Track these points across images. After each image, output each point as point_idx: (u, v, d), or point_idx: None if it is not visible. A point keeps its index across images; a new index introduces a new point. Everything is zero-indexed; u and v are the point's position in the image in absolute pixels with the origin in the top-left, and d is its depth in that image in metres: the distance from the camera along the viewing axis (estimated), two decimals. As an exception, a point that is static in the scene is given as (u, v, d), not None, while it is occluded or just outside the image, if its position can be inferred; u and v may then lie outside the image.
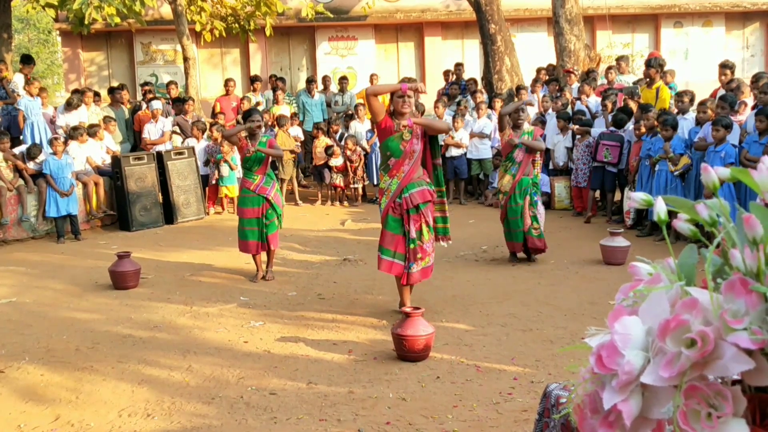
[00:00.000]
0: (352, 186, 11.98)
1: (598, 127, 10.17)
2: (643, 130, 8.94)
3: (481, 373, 4.67)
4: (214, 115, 12.65)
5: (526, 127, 7.57)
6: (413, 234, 5.61)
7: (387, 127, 5.63)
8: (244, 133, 7.06)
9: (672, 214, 1.09)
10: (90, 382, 4.70)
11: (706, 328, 0.88)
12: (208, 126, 11.91)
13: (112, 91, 12.90)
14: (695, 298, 0.92)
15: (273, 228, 7.10)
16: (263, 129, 7.23)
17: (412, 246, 5.62)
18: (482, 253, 8.18)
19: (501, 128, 7.69)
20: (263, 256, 7.28)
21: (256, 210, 7.04)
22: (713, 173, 1.05)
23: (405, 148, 5.61)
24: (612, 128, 9.66)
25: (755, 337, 0.86)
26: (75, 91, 12.34)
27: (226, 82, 13.60)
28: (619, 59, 12.64)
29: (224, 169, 11.13)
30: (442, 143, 11.72)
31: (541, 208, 7.58)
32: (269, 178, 7.14)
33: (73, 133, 10.37)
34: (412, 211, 5.61)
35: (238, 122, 12.62)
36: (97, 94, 12.33)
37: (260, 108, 12.71)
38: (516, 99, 12.25)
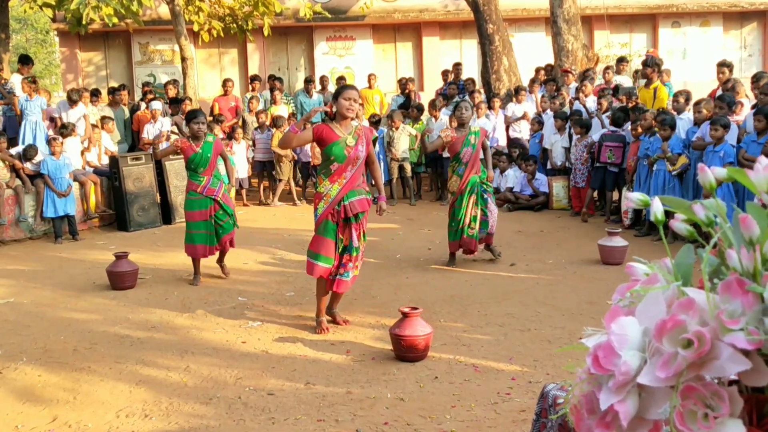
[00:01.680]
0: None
1: (596, 127, 10.18)
2: (640, 130, 8.95)
3: (479, 373, 4.67)
4: (212, 115, 12.62)
5: (473, 126, 7.47)
6: (356, 242, 5.50)
7: (325, 137, 5.47)
8: (175, 139, 6.93)
9: (669, 214, 1.09)
10: (88, 383, 4.69)
11: (703, 329, 0.88)
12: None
13: (112, 91, 12.90)
14: (692, 299, 0.92)
15: (229, 228, 7.02)
16: (205, 129, 7.10)
17: (354, 254, 5.52)
18: (480, 252, 8.17)
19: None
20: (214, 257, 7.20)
21: (204, 213, 6.91)
22: (710, 173, 1.05)
23: (349, 154, 5.46)
24: (613, 128, 9.66)
25: (752, 337, 0.86)
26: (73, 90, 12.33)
27: (224, 82, 13.58)
28: (619, 60, 12.66)
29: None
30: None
31: (492, 207, 7.47)
32: (216, 179, 7.01)
33: (64, 131, 10.34)
34: (353, 220, 5.50)
35: (243, 121, 12.63)
36: (94, 94, 12.31)
37: (257, 108, 12.71)
38: (513, 100, 12.29)
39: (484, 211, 7.35)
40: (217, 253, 7.19)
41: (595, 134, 10.04)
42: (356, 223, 5.51)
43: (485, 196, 7.38)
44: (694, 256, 1.03)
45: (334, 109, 5.51)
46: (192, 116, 7.08)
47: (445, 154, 11.63)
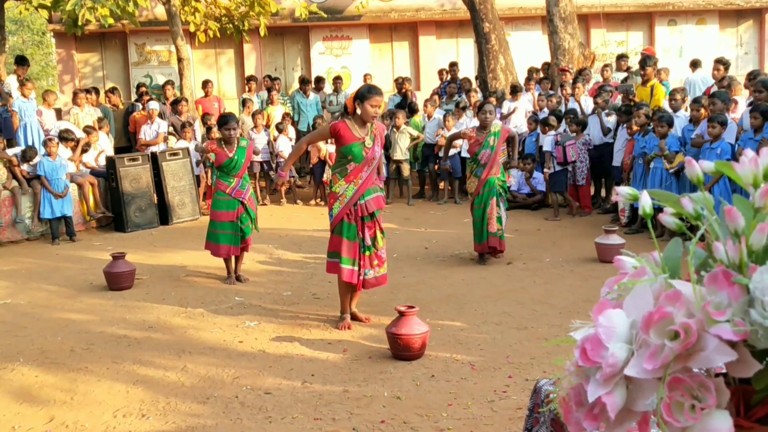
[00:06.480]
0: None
1: (593, 126, 10.19)
2: (635, 128, 8.95)
3: (476, 372, 4.68)
4: (203, 118, 12.59)
5: (494, 127, 7.47)
6: (368, 241, 5.52)
7: (344, 135, 5.45)
8: (214, 145, 7.00)
9: (660, 209, 1.09)
10: (85, 383, 4.70)
11: (690, 321, 0.89)
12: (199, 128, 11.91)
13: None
14: (678, 291, 0.92)
15: (249, 232, 7.05)
16: (237, 134, 7.11)
17: (368, 253, 5.54)
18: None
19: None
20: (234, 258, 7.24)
21: (231, 213, 6.96)
22: (697, 167, 1.05)
23: (367, 154, 5.48)
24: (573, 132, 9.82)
25: (738, 328, 0.87)
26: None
27: (204, 83, 13.59)
28: (618, 57, 12.66)
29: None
30: (436, 142, 11.71)
31: (503, 212, 7.49)
32: (245, 181, 7.07)
33: (65, 135, 10.34)
34: (367, 219, 5.52)
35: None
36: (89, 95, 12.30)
37: (254, 108, 12.72)
38: (510, 97, 12.27)
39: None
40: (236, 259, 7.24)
41: (592, 133, 10.08)
42: (370, 222, 5.54)
43: (500, 200, 7.41)
44: (683, 249, 1.04)
45: (358, 111, 5.46)
46: (223, 122, 7.08)
47: (449, 152, 11.62)
